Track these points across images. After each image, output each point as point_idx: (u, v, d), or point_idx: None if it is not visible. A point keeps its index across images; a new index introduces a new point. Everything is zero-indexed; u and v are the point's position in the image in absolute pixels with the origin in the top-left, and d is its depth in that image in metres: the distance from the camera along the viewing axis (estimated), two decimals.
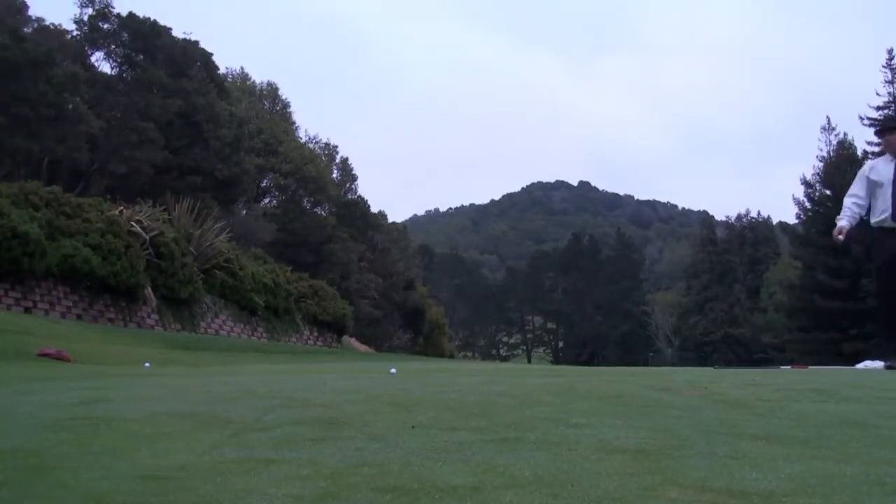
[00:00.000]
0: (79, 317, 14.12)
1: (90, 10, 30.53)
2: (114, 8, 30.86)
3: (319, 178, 40.47)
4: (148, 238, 17.00)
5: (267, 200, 42.98)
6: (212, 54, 34.96)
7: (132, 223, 16.97)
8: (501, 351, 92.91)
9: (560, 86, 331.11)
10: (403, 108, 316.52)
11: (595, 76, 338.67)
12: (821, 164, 48.03)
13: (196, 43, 34.15)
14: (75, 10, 30.74)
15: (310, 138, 49.86)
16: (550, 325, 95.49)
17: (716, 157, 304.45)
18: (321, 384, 3.94)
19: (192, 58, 32.62)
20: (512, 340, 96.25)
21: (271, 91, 48.95)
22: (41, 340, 8.18)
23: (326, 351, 23.38)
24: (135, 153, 27.49)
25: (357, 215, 44.45)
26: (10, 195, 14.07)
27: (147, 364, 8.35)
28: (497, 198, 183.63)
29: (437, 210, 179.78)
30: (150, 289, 16.41)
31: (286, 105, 49.00)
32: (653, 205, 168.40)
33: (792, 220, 54.40)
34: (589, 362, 69.94)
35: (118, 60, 31.97)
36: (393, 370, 5.50)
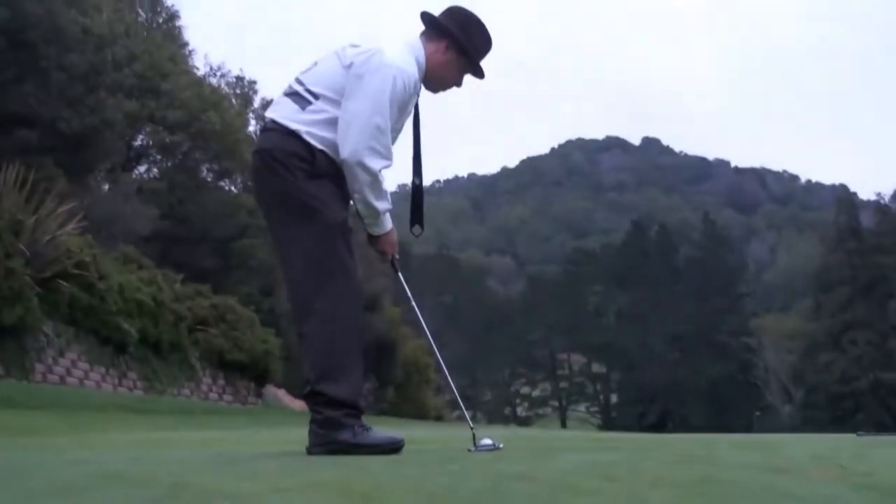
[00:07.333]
0: None
1: None
2: None
3: (227, 131, 30.13)
4: None
5: (144, 169, 32.47)
6: None
7: None
8: (519, 409, 77.80)
9: None
10: None
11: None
12: None
13: None
14: None
15: (212, 69, 37.46)
16: (598, 369, 75.77)
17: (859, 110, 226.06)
18: (237, 461, 3.24)
19: None
20: (536, 392, 78.65)
21: None
22: None
23: (239, 409, 19.88)
24: None
25: None
26: None
27: None
28: (512, 165, 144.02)
29: None
30: None
31: (174, 15, 37.30)
32: (761, 175, 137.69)
33: None
34: (659, 427, 59.68)
35: None
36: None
